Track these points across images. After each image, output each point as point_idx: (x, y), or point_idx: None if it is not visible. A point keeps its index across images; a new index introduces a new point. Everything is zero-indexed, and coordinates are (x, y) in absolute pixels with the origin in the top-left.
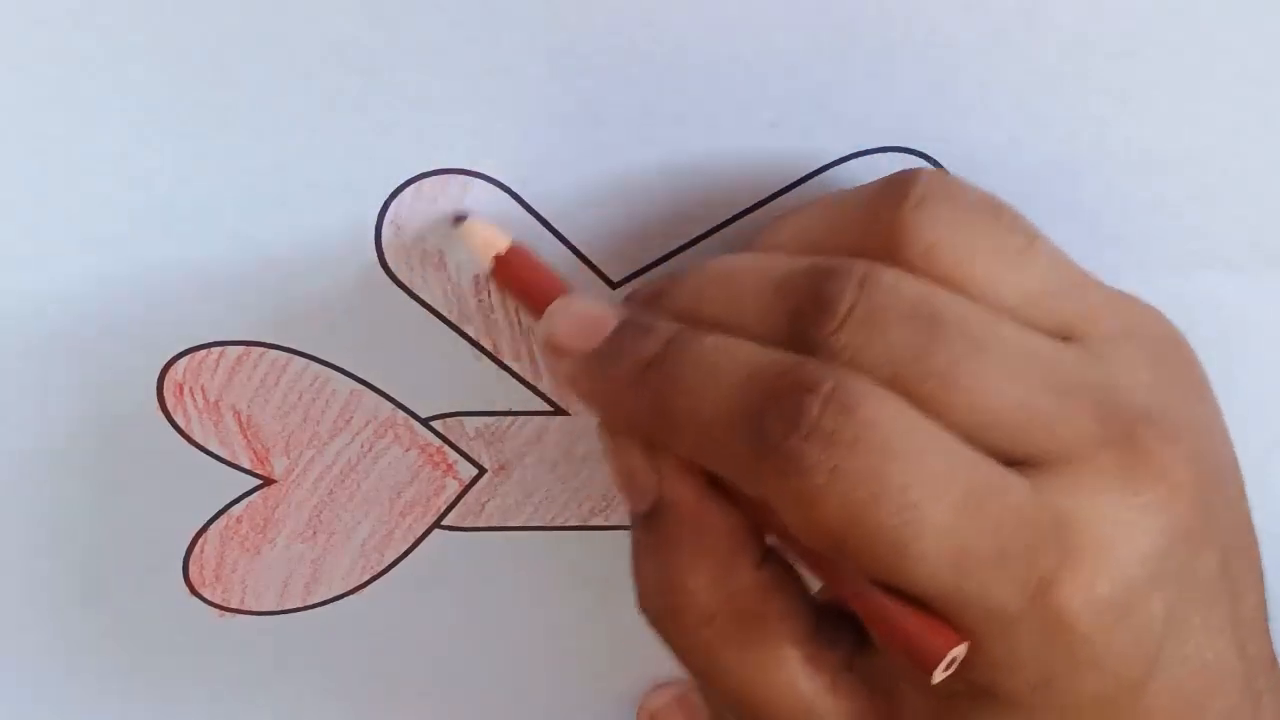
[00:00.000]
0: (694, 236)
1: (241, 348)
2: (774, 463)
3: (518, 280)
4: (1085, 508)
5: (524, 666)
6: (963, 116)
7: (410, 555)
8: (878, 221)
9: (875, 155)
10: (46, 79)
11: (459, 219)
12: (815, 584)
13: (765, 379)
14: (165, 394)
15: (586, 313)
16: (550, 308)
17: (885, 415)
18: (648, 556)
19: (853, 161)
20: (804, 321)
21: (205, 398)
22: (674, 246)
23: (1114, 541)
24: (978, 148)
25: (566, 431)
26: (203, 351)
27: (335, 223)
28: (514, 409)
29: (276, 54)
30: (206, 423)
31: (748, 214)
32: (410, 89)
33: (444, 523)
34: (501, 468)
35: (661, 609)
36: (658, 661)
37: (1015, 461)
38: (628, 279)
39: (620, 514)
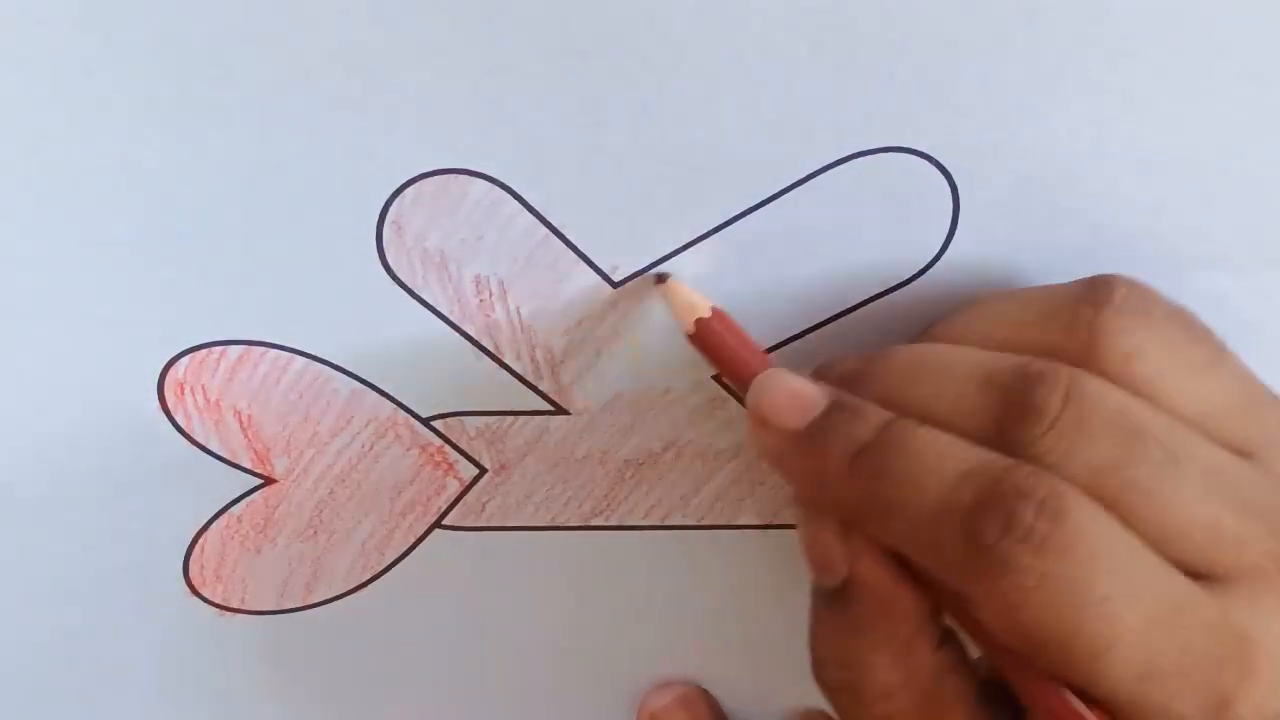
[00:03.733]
0: (694, 237)
1: (242, 347)
2: (985, 562)
3: (718, 346)
4: (1264, 626)
5: (524, 666)
6: (963, 116)
7: (410, 555)
8: (1078, 325)
9: (875, 155)
10: (46, 79)
11: (661, 278)
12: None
13: (980, 479)
14: (166, 393)
15: (797, 389)
16: (760, 379)
17: (1093, 525)
18: (831, 630)
19: (853, 161)
20: (1011, 423)
21: (206, 397)
22: (674, 247)
23: None
24: (978, 148)
25: (567, 431)
26: (204, 351)
27: (335, 223)
28: (514, 409)
29: (277, 54)
30: (207, 422)
31: (748, 214)
32: (410, 89)
33: (444, 523)
34: (502, 468)
35: (841, 681)
36: (658, 661)
37: (1198, 575)
38: (628, 279)
39: (620, 514)
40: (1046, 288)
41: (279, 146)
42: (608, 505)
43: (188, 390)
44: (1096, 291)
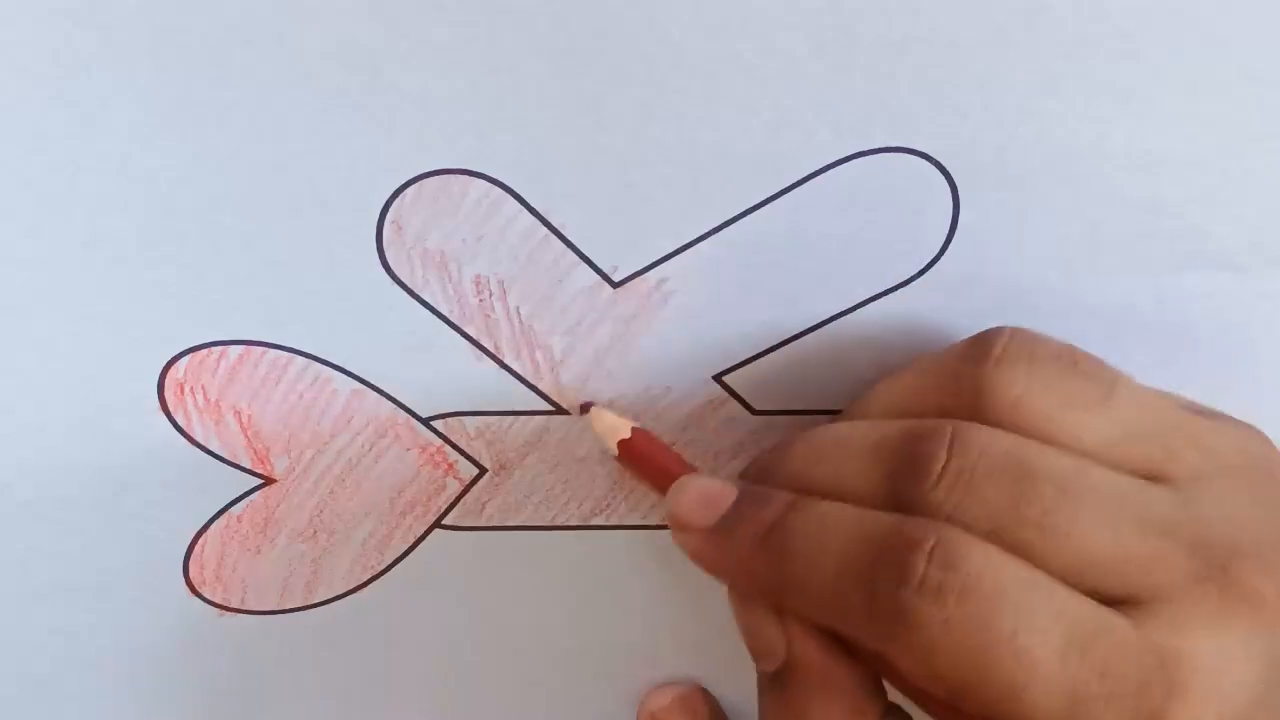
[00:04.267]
0: (694, 237)
1: (242, 347)
2: (890, 617)
3: (641, 461)
4: (1187, 642)
5: (524, 666)
6: (963, 116)
7: (410, 555)
8: (962, 381)
9: (875, 155)
10: (48, 79)
11: (585, 407)
12: None
13: (873, 539)
14: (166, 393)
15: (707, 489)
16: (674, 486)
17: (988, 565)
18: (776, 713)
19: (853, 161)
20: (901, 482)
21: (206, 397)
22: (674, 247)
23: (1217, 673)
24: (978, 148)
25: (566, 431)
26: (204, 351)
27: (336, 223)
28: (514, 409)
29: (277, 54)
30: (207, 422)
31: (748, 214)
32: (410, 89)
33: (444, 523)
34: (502, 468)
35: None
36: (658, 661)
37: (1115, 601)
38: (628, 279)
39: (620, 514)
40: (937, 353)
41: (279, 146)
42: (608, 505)
43: (188, 390)
44: (978, 347)
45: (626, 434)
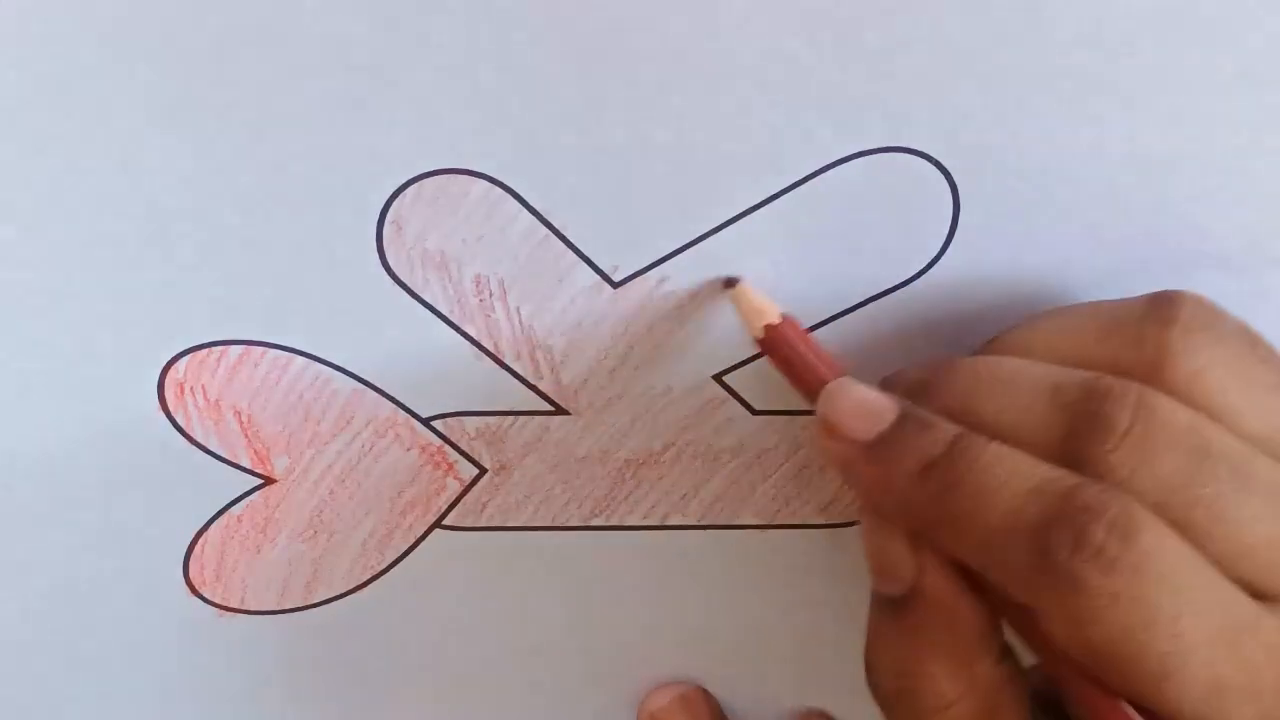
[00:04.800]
0: (695, 237)
1: (242, 347)
2: (1056, 580)
3: (786, 352)
4: None
5: (524, 666)
6: (963, 116)
7: (410, 555)
8: (1144, 342)
9: (875, 155)
10: (48, 79)
11: (730, 282)
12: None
13: (1049, 495)
14: (166, 393)
15: (867, 399)
16: (829, 388)
17: (1161, 545)
18: (891, 639)
19: (853, 161)
20: (1080, 438)
21: (206, 397)
22: (675, 247)
23: None
24: (978, 148)
25: (567, 431)
26: (204, 351)
27: (336, 223)
28: (514, 409)
29: (277, 54)
30: (207, 422)
31: (748, 214)
32: (410, 89)
33: (444, 523)
34: (502, 468)
35: (898, 690)
36: (658, 661)
37: (1262, 595)
38: (628, 279)
39: (620, 514)
40: (1110, 303)
41: (279, 146)
42: (608, 505)
43: (188, 390)
44: (1163, 308)
45: (775, 319)
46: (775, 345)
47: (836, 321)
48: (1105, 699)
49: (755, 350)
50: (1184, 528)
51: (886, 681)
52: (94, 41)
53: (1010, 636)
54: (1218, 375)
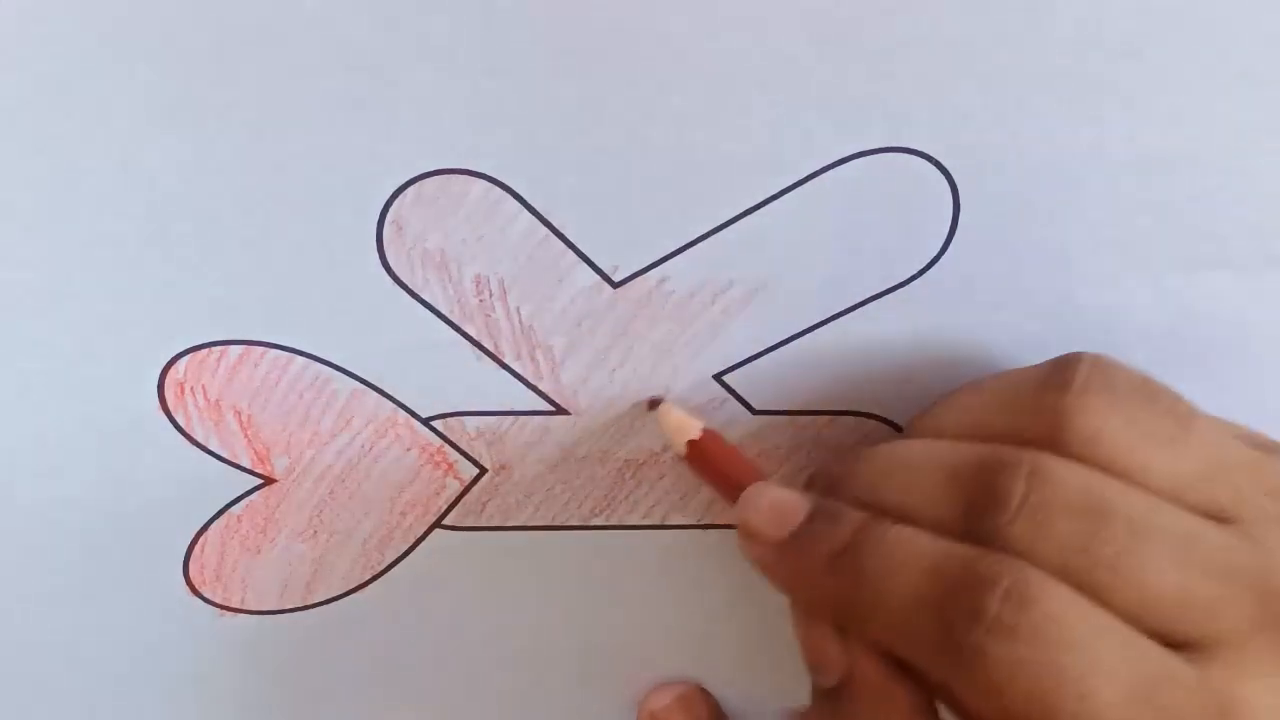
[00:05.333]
0: (695, 237)
1: (243, 347)
2: (959, 653)
3: (710, 464)
4: (1245, 690)
5: (524, 666)
6: (963, 116)
7: (410, 555)
8: (1042, 409)
9: (875, 155)
10: (48, 79)
11: (654, 403)
12: None
13: (947, 572)
14: (166, 393)
15: (779, 500)
16: (745, 494)
17: (1061, 607)
18: None
19: (853, 161)
20: (978, 512)
21: (206, 397)
22: (674, 247)
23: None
24: (978, 148)
25: (566, 431)
26: (204, 351)
27: (336, 223)
28: (514, 409)
29: (278, 54)
30: (207, 422)
31: (748, 214)
32: (410, 89)
33: (444, 523)
34: (502, 468)
35: None
36: (658, 661)
37: (1178, 644)
38: (628, 279)
39: (620, 514)
40: (1014, 373)
41: (279, 146)
42: (608, 505)
43: (188, 390)
44: (1059, 373)
45: (696, 434)
46: (697, 459)
47: (837, 321)
48: None
49: (756, 351)
50: (1088, 588)
51: None
52: (94, 41)
53: (945, 714)
54: (1117, 435)
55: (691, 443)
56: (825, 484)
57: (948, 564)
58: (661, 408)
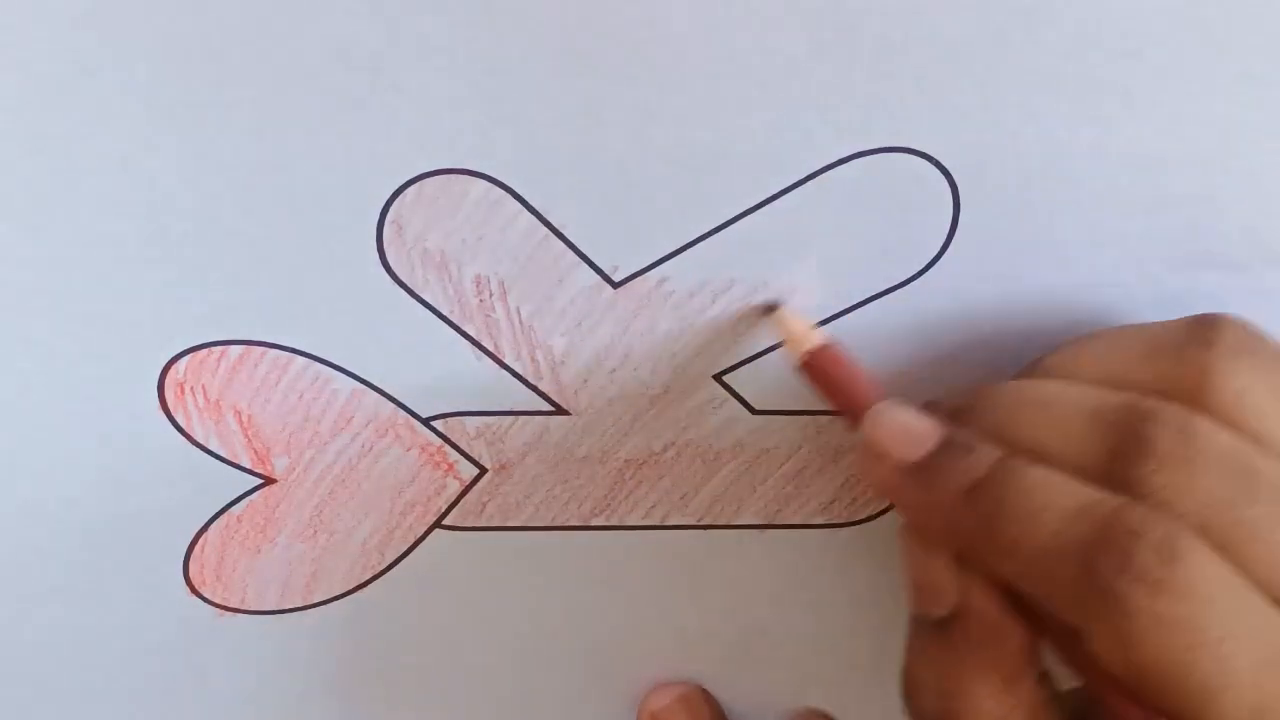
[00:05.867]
0: (695, 237)
1: (243, 347)
2: (1101, 600)
3: (826, 379)
4: None
5: (524, 666)
6: (963, 116)
7: (410, 555)
8: (1186, 364)
9: (875, 155)
10: (48, 79)
11: (770, 308)
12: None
13: (1095, 517)
14: (166, 393)
15: (911, 423)
16: (873, 412)
17: (1206, 568)
18: (933, 659)
19: (853, 161)
20: (1122, 460)
21: (206, 397)
22: (675, 247)
23: None
24: (978, 148)
25: (567, 431)
26: (204, 351)
27: (336, 223)
28: (514, 409)
29: (278, 54)
30: (207, 422)
31: (748, 214)
32: (410, 89)
33: (444, 523)
34: (502, 467)
35: (940, 711)
36: (658, 661)
37: None
38: (628, 279)
39: (620, 514)
40: (1153, 325)
41: (279, 146)
42: (608, 505)
43: (188, 390)
44: (1205, 331)
45: (815, 345)
46: (817, 371)
47: (836, 321)
48: (1147, 718)
49: (756, 351)
50: (1226, 550)
51: (928, 702)
52: (94, 41)
53: (1049, 660)
54: (1259, 398)
55: (810, 352)
56: (949, 414)
57: (1096, 509)
58: (778, 314)
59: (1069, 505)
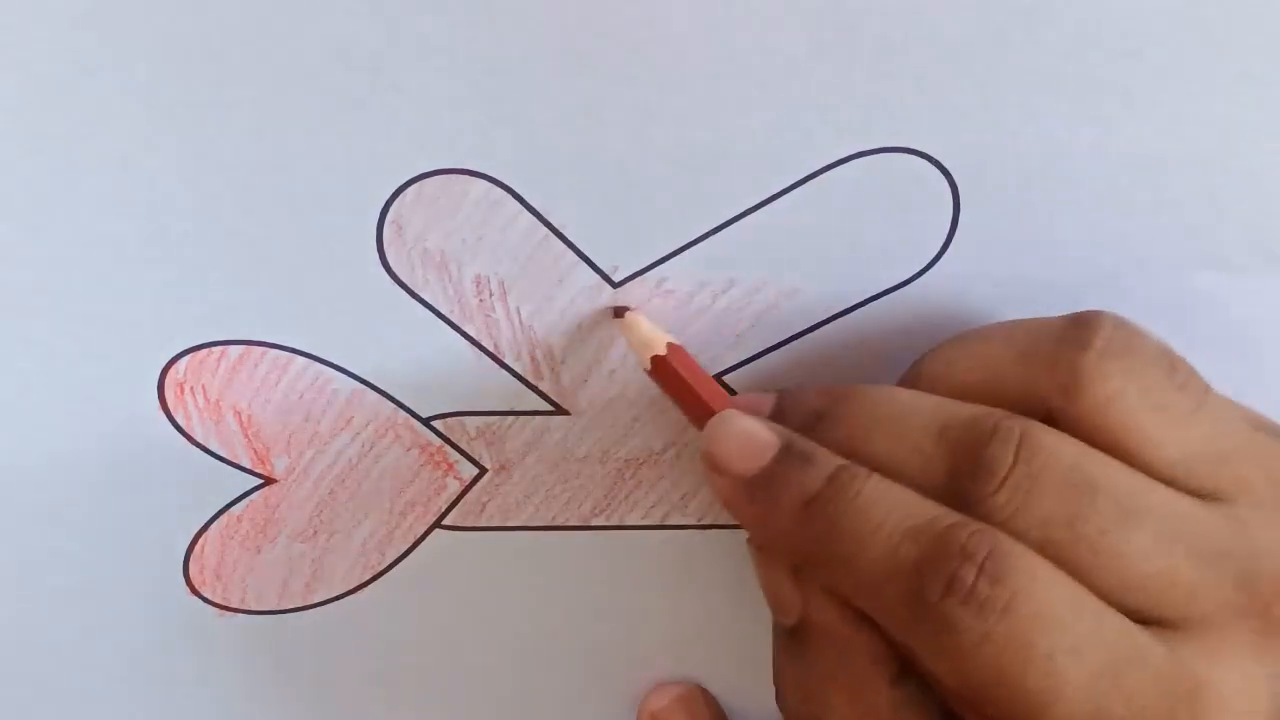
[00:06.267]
0: (694, 237)
1: (243, 347)
2: (928, 621)
3: (676, 383)
4: (1217, 674)
5: (524, 666)
6: (963, 116)
7: (410, 555)
8: (1058, 366)
9: (875, 155)
10: (48, 79)
11: (619, 311)
12: None
13: (924, 537)
14: (166, 393)
15: (750, 433)
16: (712, 423)
17: (1036, 584)
18: (791, 666)
19: (853, 161)
20: (963, 478)
21: (206, 397)
22: (674, 247)
23: (1240, 705)
24: (978, 148)
25: (567, 431)
26: (204, 351)
27: (336, 223)
28: (514, 409)
29: (278, 54)
30: (207, 422)
31: (748, 214)
32: (410, 89)
33: (444, 523)
34: (502, 467)
35: (803, 714)
36: (658, 661)
37: (1153, 621)
38: (628, 279)
39: (620, 514)
40: (1030, 323)
41: (279, 146)
42: (608, 505)
43: (188, 390)
44: (1080, 331)
45: (661, 350)
46: (663, 376)
47: (836, 321)
48: None
49: (756, 351)
50: (1068, 565)
51: (792, 708)
52: (94, 41)
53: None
54: (1129, 403)
55: (657, 358)
56: (802, 416)
57: (927, 527)
58: (628, 316)
59: (901, 524)
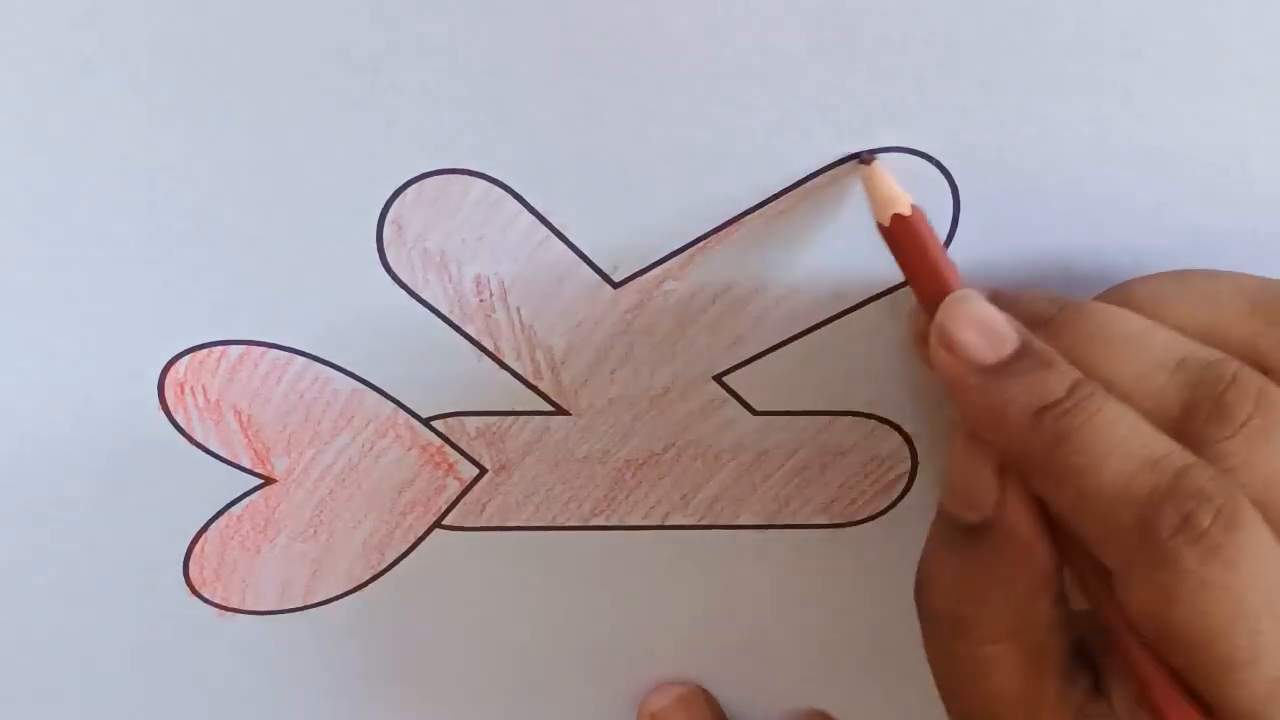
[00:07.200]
0: (695, 237)
1: (243, 347)
2: (1153, 554)
3: (910, 249)
4: None
5: (524, 666)
6: (963, 116)
7: (410, 555)
8: None
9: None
10: (48, 79)
11: (867, 159)
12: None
13: (1164, 471)
14: (166, 393)
15: (991, 320)
16: (953, 298)
17: (1258, 542)
18: (955, 563)
19: (853, 161)
20: (1198, 419)
21: (206, 397)
22: (674, 247)
23: None
24: (978, 148)
25: (567, 431)
26: (204, 351)
27: (336, 223)
28: (514, 409)
29: (278, 54)
30: (207, 422)
31: (748, 214)
32: (410, 89)
33: (445, 522)
34: (502, 468)
35: (953, 615)
36: (658, 661)
37: None
38: (628, 279)
39: (620, 514)
40: (1253, 279)
41: (279, 146)
42: (608, 505)
43: (188, 390)
44: None
45: (905, 210)
46: (900, 239)
47: (837, 321)
48: (1154, 671)
49: (756, 351)
50: (1277, 525)
51: (940, 604)
52: (94, 41)
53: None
54: None
55: (898, 217)
56: (1029, 319)
57: (1167, 463)
58: (872, 168)
59: (1140, 452)
